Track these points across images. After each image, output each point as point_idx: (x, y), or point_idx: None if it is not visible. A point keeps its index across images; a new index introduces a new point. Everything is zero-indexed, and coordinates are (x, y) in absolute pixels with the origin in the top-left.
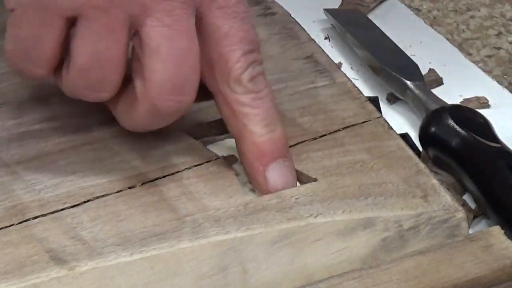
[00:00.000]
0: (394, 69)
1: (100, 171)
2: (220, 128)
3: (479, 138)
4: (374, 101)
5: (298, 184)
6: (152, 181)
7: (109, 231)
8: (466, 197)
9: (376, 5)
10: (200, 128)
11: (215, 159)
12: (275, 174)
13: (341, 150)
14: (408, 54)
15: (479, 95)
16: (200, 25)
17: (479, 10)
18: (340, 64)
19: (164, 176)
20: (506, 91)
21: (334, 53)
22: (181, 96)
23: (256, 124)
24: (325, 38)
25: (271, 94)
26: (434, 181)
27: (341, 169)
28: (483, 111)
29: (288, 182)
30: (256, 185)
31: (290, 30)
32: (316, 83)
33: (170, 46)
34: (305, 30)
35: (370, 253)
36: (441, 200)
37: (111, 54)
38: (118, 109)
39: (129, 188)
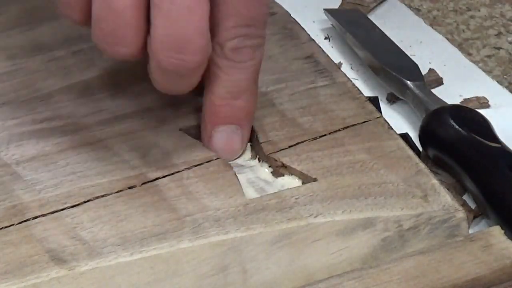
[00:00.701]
0: (394, 69)
1: (100, 171)
2: None
3: (479, 138)
4: (374, 101)
5: (299, 183)
6: (152, 181)
7: (109, 231)
8: (466, 197)
9: (376, 5)
10: (200, 128)
11: (215, 159)
12: (221, 136)
13: (341, 150)
14: (408, 54)
15: (479, 95)
16: None
17: (479, 10)
18: (340, 64)
19: (164, 176)
20: (506, 91)
21: (334, 53)
22: (183, 54)
23: (220, 87)
24: (325, 38)
25: (253, 67)
26: (434, 181)
27: (341, 169)
28: (483, 111)
29: (232, 149)
30: (204, 144)
31: (290, 30)
32: (316, 83)
33: (172, 3)
34: (305, 30)
35: (370, 253)
36: (441, 200)
37: (121, 5)
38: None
39: (129, 188)
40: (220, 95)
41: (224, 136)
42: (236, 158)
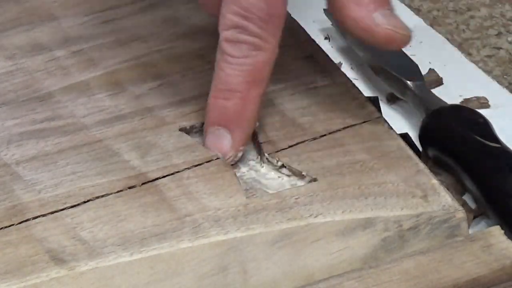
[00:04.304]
0: (394, 69)
1: (100, 171)
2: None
3: (479, 138)
4: (374, 101)
5: (299, 183)
6: (152, 181)
7: (109, 231)
8: (466, 197)
9: None
10: (200, 128)
11: (215, 159)
12: (210, 138)
13: (341, 150)
14: (408, 54)
15: (479, 95)
16: None
17: (479, 10)
18: (340, 64)
19: (164, 176)
20: (506, 91)
21: (334, 53)
22: None
23: (213, 83)
24: (325, 38)
25: (247, 68)
26: (434, 181)
27: (341, 169)
28: (483, 111)
29: (222, 152)
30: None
31: (290, 30)
32: (316, 83)
33: None
34: (305, 30)
35: (370, 253)
36: (441, 200)
37: None
38: None
39: (129, 188)
40: (212, 92)
41: (212, 139)
42: (235, 160)
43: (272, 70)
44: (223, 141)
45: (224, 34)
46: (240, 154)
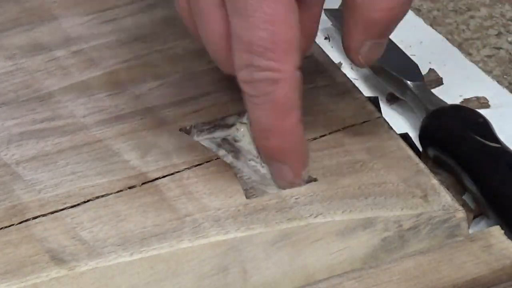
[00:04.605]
0: (394, 69)
1: (100, 171)
2: (219, 127)
3: (479, 138)
4: (374, 101)
5: None
6: (152, 181)
7: (109, 231)
8: (466, 197)
9: None
10: (200, 128)
11: (215, 159)
12: (273, 174)
13: (341, 150)
14: (408, 54)
15: (479, 95)
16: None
17: (479, 10)
18: (340, 64)
19: (164, 176)
20: (506, 91)
21: (334, 53)
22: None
23: (251, 126)
24: (325, 38)
25: (269, 104)
26: (434, 181)
27: (341, 169)
28: (483, 111)
29: (288, 182)
30: None
31: None
32: (316, 83)
33: None
34: None
35: (370, 253)
36: (441, 200)
37: None
38: None
39: (129, 188)
40: (254, 133)
41: (274, 173)
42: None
43: (300, 94)
44: (284, 173)
45: (239, 76)
46: (305, 178)
